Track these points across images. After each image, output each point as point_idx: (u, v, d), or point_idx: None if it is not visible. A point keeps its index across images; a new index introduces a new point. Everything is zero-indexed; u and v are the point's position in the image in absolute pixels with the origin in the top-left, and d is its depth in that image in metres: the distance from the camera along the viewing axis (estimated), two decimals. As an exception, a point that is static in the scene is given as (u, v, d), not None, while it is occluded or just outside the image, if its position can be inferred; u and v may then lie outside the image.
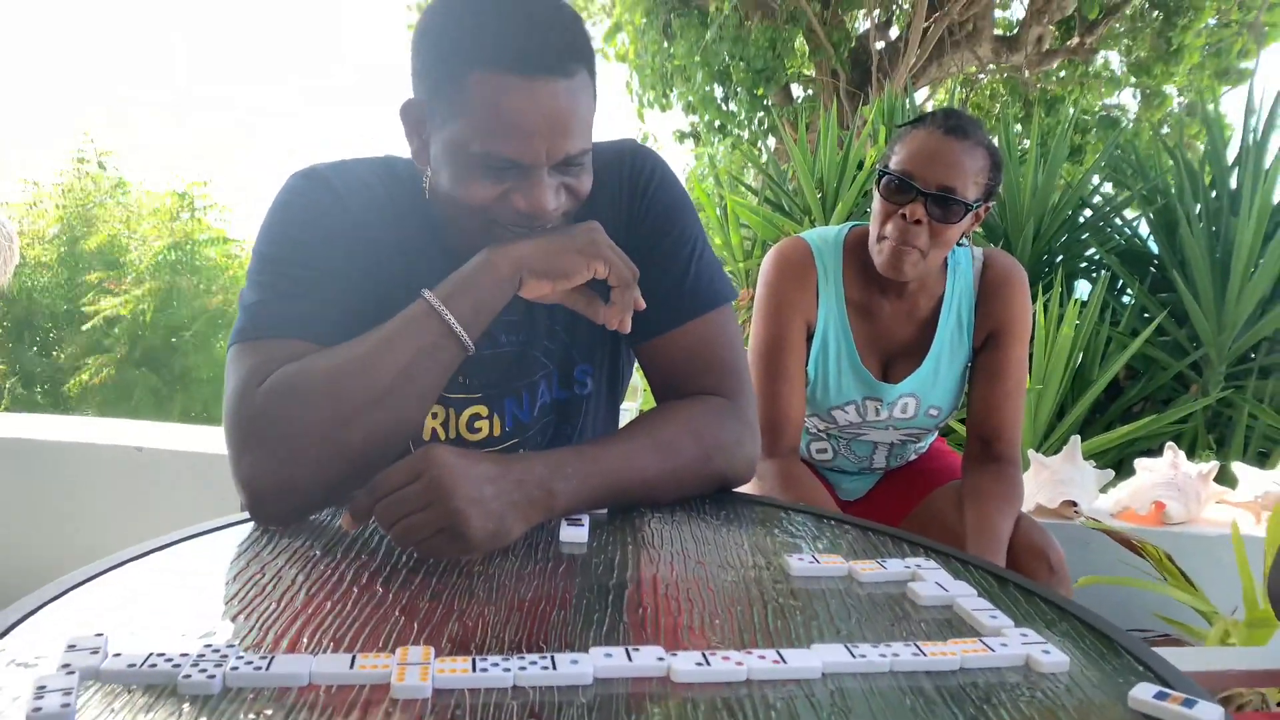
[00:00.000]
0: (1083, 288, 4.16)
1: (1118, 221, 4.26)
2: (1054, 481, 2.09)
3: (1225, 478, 2.44)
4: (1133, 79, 10.16)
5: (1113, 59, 10.51)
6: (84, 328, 8.48)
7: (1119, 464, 3.49)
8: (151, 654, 0.65)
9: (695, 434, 1.05)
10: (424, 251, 1.09)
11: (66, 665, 0.63)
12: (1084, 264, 4.21)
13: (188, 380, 8.49)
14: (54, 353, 9.10)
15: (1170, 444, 2.19)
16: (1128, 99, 11.04)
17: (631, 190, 1.15)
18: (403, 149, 1.11)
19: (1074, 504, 2.06)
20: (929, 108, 9.81)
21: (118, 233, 9.18)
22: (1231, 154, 3.92)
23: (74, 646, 0.65)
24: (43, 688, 0.60)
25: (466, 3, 0.97)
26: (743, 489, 1.71)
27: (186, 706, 0.61)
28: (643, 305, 1.03)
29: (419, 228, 1.11)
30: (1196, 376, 3.82)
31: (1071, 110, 7.96)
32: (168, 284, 7.97)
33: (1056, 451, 2.17)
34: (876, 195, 1.57)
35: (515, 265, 0.97)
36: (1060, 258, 4.11)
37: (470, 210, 1.00)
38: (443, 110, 0.98)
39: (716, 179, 5.20)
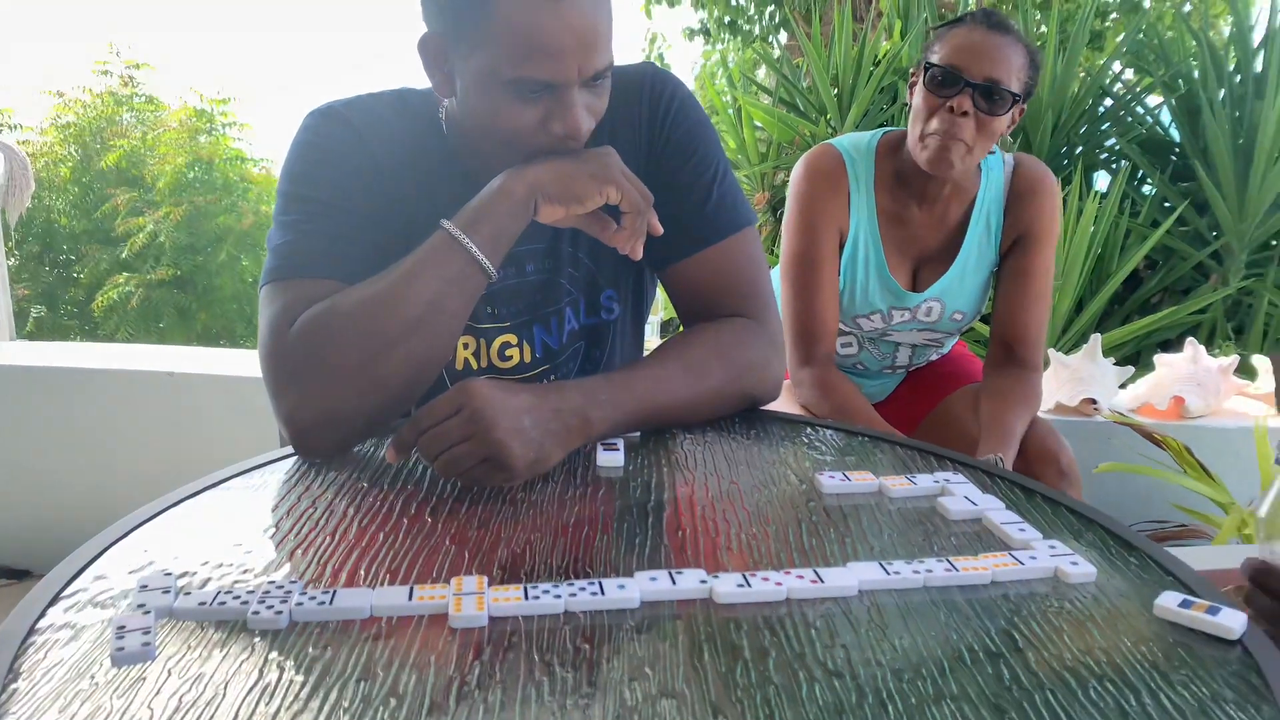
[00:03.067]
0: (1103, 180, 4.10)
1: (1139, 110, 4.16)
2: (1074, 379, 2.11)
3: (1245, 370, 2.45)
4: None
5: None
6: (119, 254, 8.47)
7: (1138, 356, 3.50)
8: (220, 591, 0.68)
9: (723, 356, 1.07)
10: (443, 182, 1.09)
11: (142, 605, 0.66)
12: (1104, 155, 4.13)
13: (212, 298, 8.55)
14: (76, 273, 9.14)
15: (1190, 338, 2.20)
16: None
17: (651, 115, 1.14)
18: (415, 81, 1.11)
19: (1094, 401, 2.08)
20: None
21: (135, 148, 9.10)
22: (1258, 36, 3.81)
23: (146, 586, 0.69)
24: (123, 627, 0.63)
25: None
26: (778, 399, 1.76)
27: (258, 641, 0.64)
28: (659, 230, 1.03)
29: (437, 159, 1.11)
30: (1217, 266, 3.78)
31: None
32: (189, 203, 7.92)
33: (1075, 347, 2.18)
34: (919, 92, 1.55)
35: (530, 189, 0.97)
36: (1080, 149, 4.03)
37: (503, 140, 1.00)
38: (468, 40, 0.97)
39: (729, 79, 5.07)
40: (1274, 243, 3.78)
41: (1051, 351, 2.20)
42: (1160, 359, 2.22)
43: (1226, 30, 4.44)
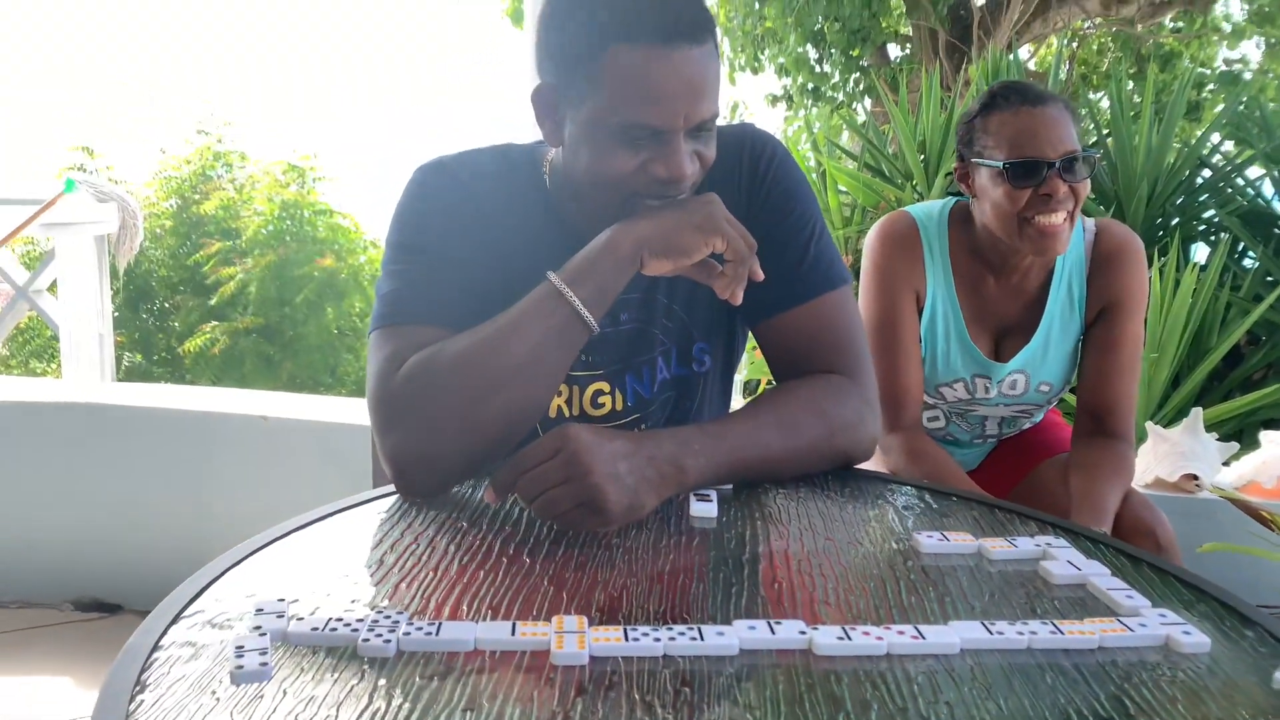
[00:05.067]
0: (1201, 253, 3.99)
1: (1239, 182, 4.06)
2: (1174, 454, 2.04)
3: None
4: (1255, 29, 9.58)
5: (1233, 6, 9.92)
6: (209, 301, 8.82)
7: (1239, 434, 3.36)
8: (331, 618, 0.71)
9: (819, 412, 1.07)
10: (545, 236, 1.13)
11: (258, 627, 0.69)
12: (1202, 227, 4.03)
13: (298, 346, 8.83)
14: (171, 321, 9.54)
15: (1299, 416, 2.11)
16: (1250, 50, 10.42)
17: (752, 173, 1.17)
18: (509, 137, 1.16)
19: (1195, 477, 2.01)
20: (1032, 66, 9.45)
21: (230, 201, 9.53)
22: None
23: (262, 610, 0.72)
24: (241, 647, 0.66)
25: None
26: (867, 464, 1.74)
27: (366, 668, 0.66)
28: (760, 276, 1.05)
29: (539, 211, 1.15)
30: (1322, 342, 3.64)
31: (1188, 64, 7.57)
32: (279, 253, 8.23)
33: (1172, 422, 2.11)
34: (1000, 187, 1.53)
35: (636, 244, 1.00)
36: (1176, 220, 3.94)
37: (608, 185, 1.03)
38: (579, 88, 1.01)
39: (814, 143, 5.13)
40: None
41: (1149, 424, 2.13)
42: (1267, 435, 2.13)
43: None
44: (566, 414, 1.20)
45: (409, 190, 1.14)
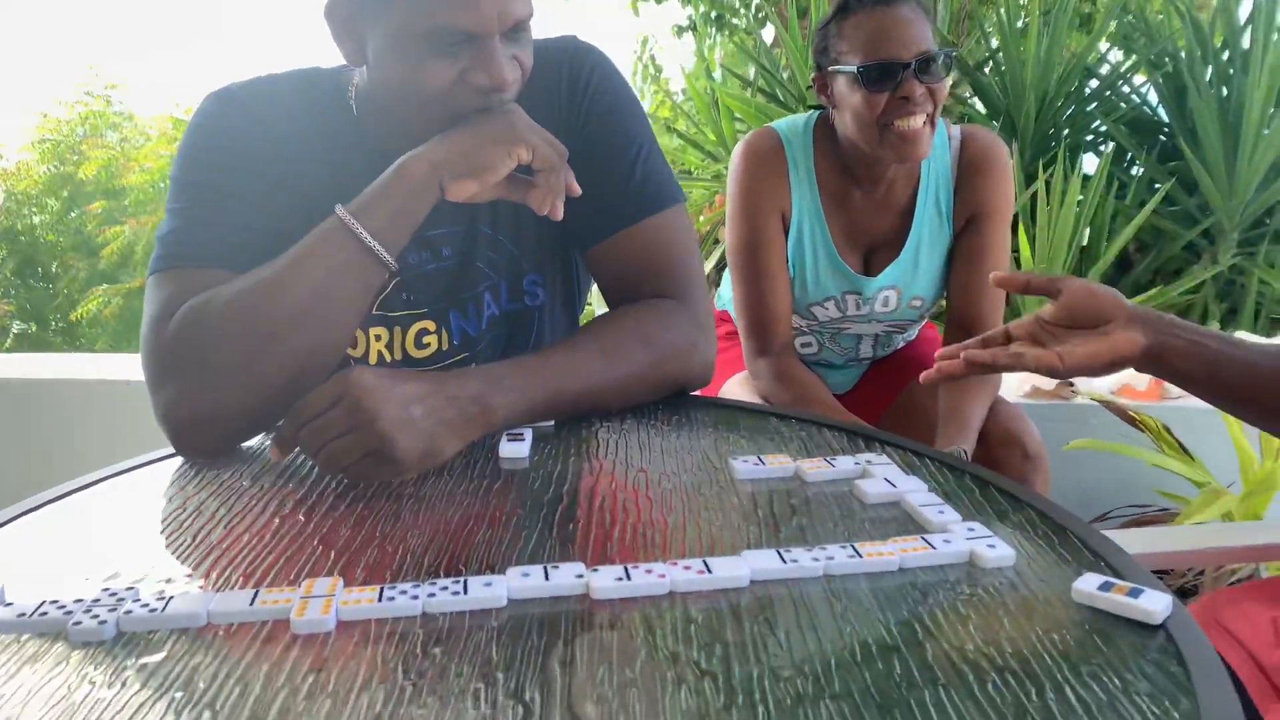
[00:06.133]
0: (1091, 163, 4.03)
1: (1125, 90, 4.09)
2: (1050, 363, 2.04)
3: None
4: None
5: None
6: (99, 265, 8.48)
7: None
8: (44, 601, 0.62)
9: (643, 338, 1.01)
10: (353, 166, 1.03)
11: (-47, 618, 0.61)
12: (1090, 137, 4.06)
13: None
14: (61, 286, 9.15)
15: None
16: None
17: (571, 89, 1.09)
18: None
19: (1070, 384, 2.01)
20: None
21: (114, 159, 9.12)
22: (1244, 12, 3.73)
23: (-35, 598, 0.63)
24: (-76, 643, 0.57)
25: None
26: (742, 389, 1.70)
27: (75, 655, 0.58)
28: (577, 191, 0.97)
29: (347, 140, 1.05)
30: (1208, 246, 3.71)
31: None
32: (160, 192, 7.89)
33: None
34: (857, 93, 1.47)
35: (431, 168, 0.91)
36: (1066, 131, 3.96)
37: (426, 102, 0.94)
38: (375, 0, 0.91)
39: (706, 71, 5.02)
40: (1266, 221, 3.71)
41: (1028, 334, 2.13)
42: (1141, 339, 2.15)
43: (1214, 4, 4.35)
44: (387, 358, 1.11)
45: (193, 121, 1.03)
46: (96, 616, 0.60)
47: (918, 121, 1.45)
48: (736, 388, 1.73)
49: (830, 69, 1.52)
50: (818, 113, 1.64)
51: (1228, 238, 3.61)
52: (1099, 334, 0.95)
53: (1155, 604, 0.59)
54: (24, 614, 0.61)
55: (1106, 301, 0.96)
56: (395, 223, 0.92)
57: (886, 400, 1.77)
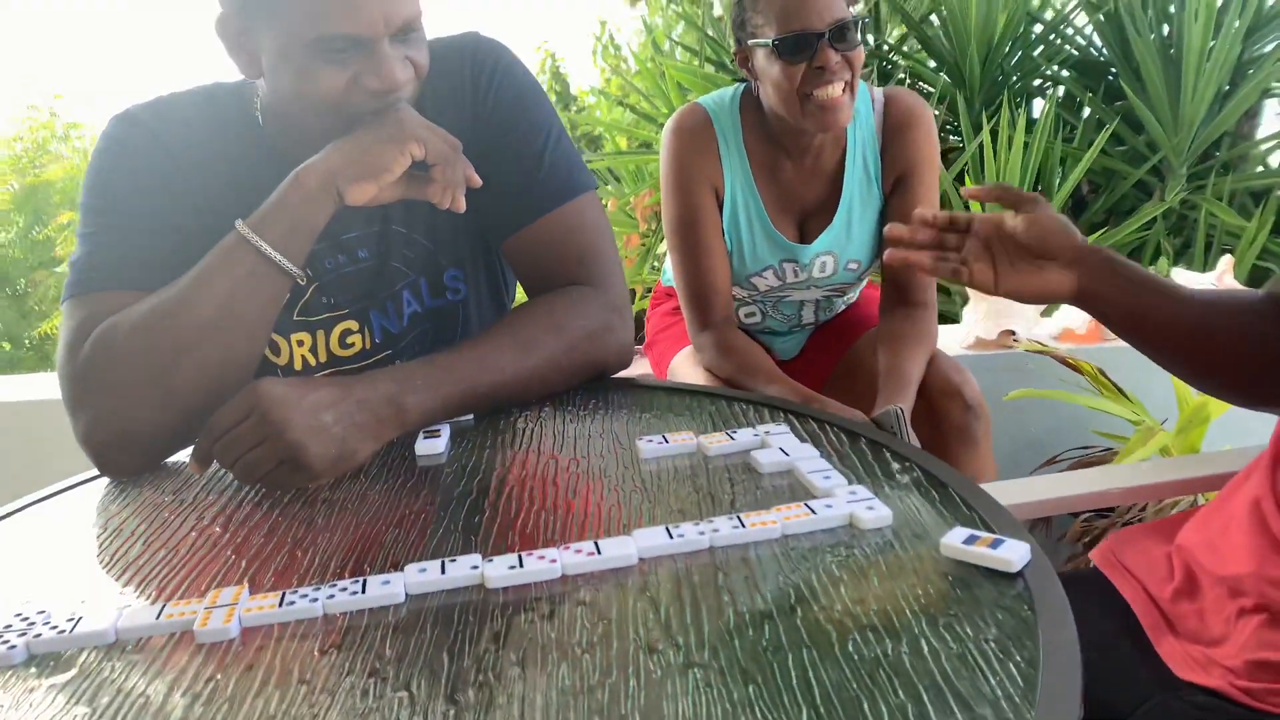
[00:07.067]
0: (1040, 109, 4.04)
1: (1069, 32, 4.11)
2: (991, 312, 2.07)
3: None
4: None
5: None
6: (56, 270, 8.40)
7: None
8: (-42, 631, 0.65)
9: (554, 327, 1.03)
10: (263, 177, 1.04)
11: None
12: (1039, 81, 4.08)
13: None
14: (30, 304, 9.07)
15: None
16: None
17: (475, 83, 1.10)
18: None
19: (1013, 333, 2.05)
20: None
21: (74, 169, 9.01)
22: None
23: (-118, 633, 0.65)
24: None
25: None
26: (683, 364, 1.73)
27: (-13, 680, 0.61)
28: (476, 181, 0.99)
29: (254, 153, 1.06)
30: (1158, 183, 3.75)
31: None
32: None
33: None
34: (774, 65, 1.48)
35: (324, 177, 0.93)
36: (1016, 78, 3.98)
37: (322, 109, 0.96)
38: (262, 12, 0.93)
39: (653, 43, 5.00)
40: (1215, 154, 3.75)
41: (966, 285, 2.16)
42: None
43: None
44: (311, 362, 1.13)
45: (98, 146, 1.04)
46: (6, 641, 0.63)
47: (836, 90, 1.47)
48: (683, 361, 1.75)
49: (749, 42, 1.53)
50: (743, 86, 1.66)
51: (1176, 174, 3.65)
52: (1038, 266, 0.98)
53: (1013, 553, 0.63)
54: (-63, 645, 0.63)
55: (1057, 238, 0.98)
56: (295, 233, 0.94)
57: (832, 362, 1.81)
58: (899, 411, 1.44)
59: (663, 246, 4.07)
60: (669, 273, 1.83)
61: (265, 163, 1.06)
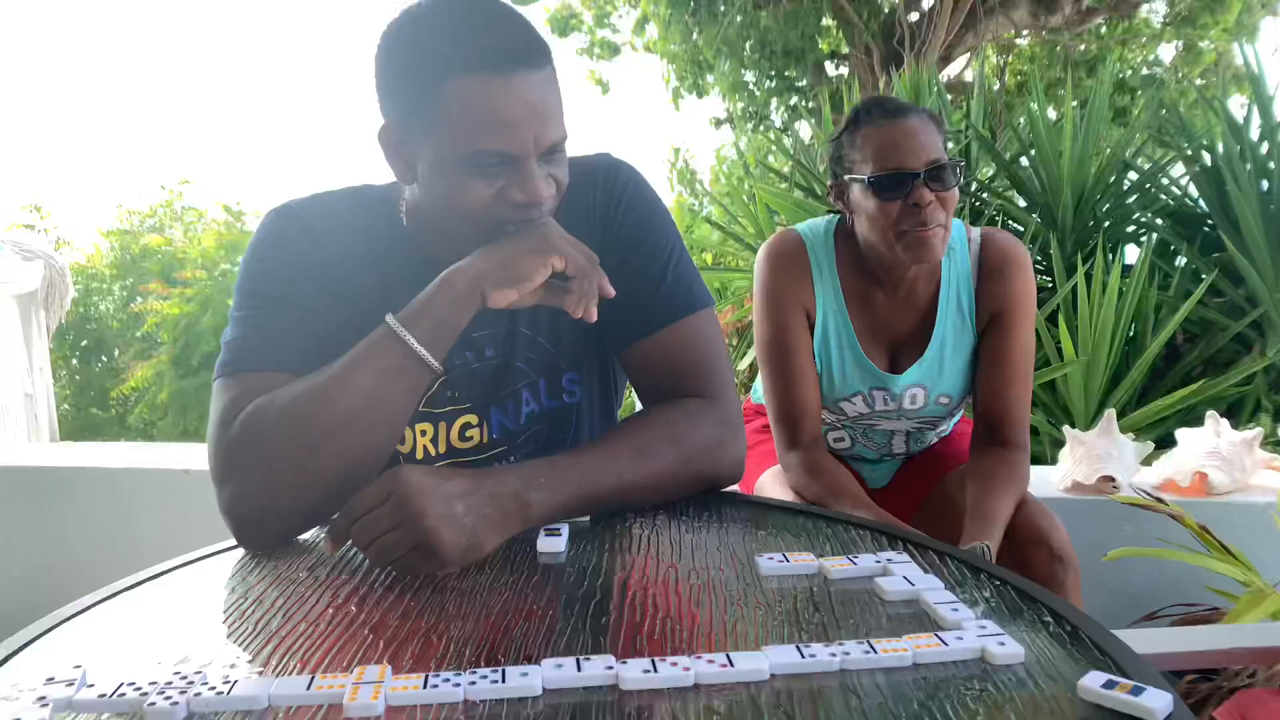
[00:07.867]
0: (1133, 255, 4.04)
1: (1164, 181, 4.13)
2: (1090, 456, 2.04)
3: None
4: (1174, 33, 9.74)
5: (1159, 8, 10.05)
6: (138, 333, 8.70)
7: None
8: (122, 683, 0.68)
9: (672, 437, 1.06)
10: (405, 275, 1.12)
11: (42, 698, 0.67)
12: (1131, 228, 4.09)
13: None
14: (120, 373, 9.43)
15: (1211, 412, 2.13)
16: (1168, 55, 10.60)
17: (606, 202, 1.17)
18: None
19: (1112, 479, 2.01)
20: (968, 77, 9.59)
21: (177, 250, 9.45)
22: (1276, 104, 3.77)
23: (52, 679, 0.69)
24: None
25: (424, 16, 1.00)
26: (775, 483, 1.74)
27: (149, 734, 0.64)
28: (610, 292, 1.04)
29: (396, 251, 1.14)
30: (1257, 336, 3.68)
31: (1114, 67, 7.69)
32: (217, 284, 7.95)
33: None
34: (871, 201, 1.55)
35: (471, 281, 0.99)
36: (1107, 223, 4.00)
37: (469, 216, 1.03)
38: (423, 125, 1.01)
39: (745, 166, 5.15)
40: (1316, 311, 3.68)
41: (1066, 429, 2.14)
42: (1181, 434, 2.15)
43: (1244, 99, 4.40)
44: (432, 451, 1.18)
45: (256, 236, 1.13)
46: (169, 698, 0.66)
47: (930, 228, 1.51)
48: (771, 480, 1.77)
49: (845, 178, 1.60)
50: (837, 216, 1.71)
51: (1277, 329, 3.59)
52: None
53: (1156, 702, 0.62)
54: (104, 695, 0.67)
55: None
56: (440, 331, 0.99)
57: (921, 494, 1.80)
58: (985, 549, 1.42)
59: (742, 363, 4.11)
60: (759, 391, 1.86)
61: (407, 260, 1.13)
